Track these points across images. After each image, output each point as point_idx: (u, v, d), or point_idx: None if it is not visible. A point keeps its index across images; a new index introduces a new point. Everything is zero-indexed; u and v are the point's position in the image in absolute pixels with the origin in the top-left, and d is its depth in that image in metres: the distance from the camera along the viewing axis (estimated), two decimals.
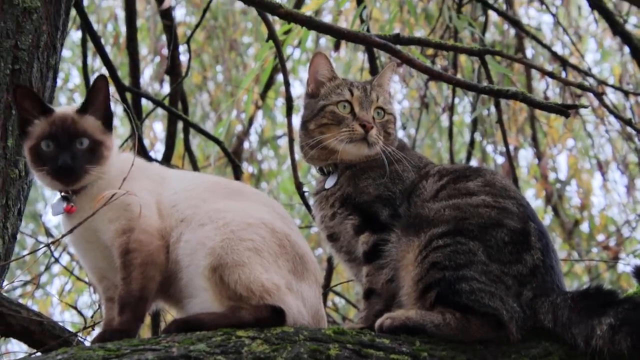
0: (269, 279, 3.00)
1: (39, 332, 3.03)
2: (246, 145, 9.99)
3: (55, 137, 3.16)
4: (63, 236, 3.16)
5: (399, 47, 3.94)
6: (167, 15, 6.32)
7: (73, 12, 3.95)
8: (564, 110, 3.66)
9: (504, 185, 3.34)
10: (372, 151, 3.48)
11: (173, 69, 6.32)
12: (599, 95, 4.00)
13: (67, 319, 7.95)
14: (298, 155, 4.14)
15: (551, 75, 4.05)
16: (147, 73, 9.92)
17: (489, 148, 9.25)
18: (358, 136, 3.47)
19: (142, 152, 5.37)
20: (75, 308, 3.36)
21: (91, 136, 3.21)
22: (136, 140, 3.34)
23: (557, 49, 8.84)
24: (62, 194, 3.25)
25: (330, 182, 3.54)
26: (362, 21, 5.47)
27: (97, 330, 3.30)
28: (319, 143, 3.51)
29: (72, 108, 3.27)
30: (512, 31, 8.44)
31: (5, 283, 3.52)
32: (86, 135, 3.20)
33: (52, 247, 4.13)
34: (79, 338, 3.14)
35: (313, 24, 3.95)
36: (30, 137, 3.20)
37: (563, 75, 6.60)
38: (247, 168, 10.00)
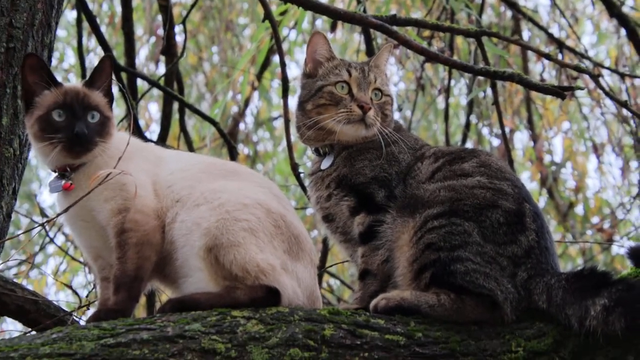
0: (264, 259, 3.01)
1: (34, 311, 3.03)
2: (242, 126, 9.98)
3: (69, 107, 3.17)
4: (58, 215, 3.16)
5: (395, 28, 3.92)
6: None
7: None
8: (560, 92, 3.66)
9: (499, 166, 3.35)
10: (370, 132, 3.48)
11: (168, 50, 6.29)
12: (595, 78, 4.00)
13: (62, 298, 7.97)
14: (294, 136, 4.13)
15: (547, 57, 4.05)
16: (142, 53, 9.90)
17: (485, 130, 9.26)
18: (356, 117, 3.46)
19: (138, 132, 5.35)
20: (70, 287, 3.36)
21: (102, 111, 3.23)
22: (132, 120, 3.34)
23: (554, 31, 8.83)
24: (59, 172, 3.24)
25: (326, 163, 3.53)
26: (359, 2, 5.45)
27: (92, 310, 3.30)
28: (316, 123, 3.51)
29: (79, 83, 3.28)
30: (509, 13, 8.42)
31: None
32: (97, 109, 3.22)
33: (47, 227, 4.12)
34: (74, 317, 3.14)
35: (309, 5, 3.94)
36: (39, 107, 3.19)
37: (559, 57, 6.59)
38: (243, 149, 9.99)
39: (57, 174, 3.26)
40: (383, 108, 3.57)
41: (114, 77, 5.06)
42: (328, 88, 3.53)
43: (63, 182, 3.21)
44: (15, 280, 3.90)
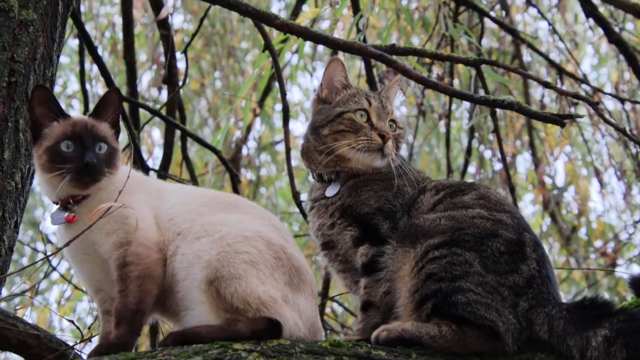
0: (265, 292, 3.01)
1: (35, 345, 3.03)
2: (244, 151, 9.99)
3: (79, 138, 3.19)
4: (61, 248, 3.17)
5: (394, 57, 3.94)
6: (164, 24, 6.32)
7: (69, 21, 3.95)
8: (560, 120, 3.67)
9: (498, 199, 3.36)
10: (384, 163, 3.50)
11: (170, 78, 6.31)
12: (595, 105, 4.01)
13: (66, 326, 7.96)
14: (295, 161, 4.14)
15: (547, 85, 4.07)
16: (144, 79, 9.93)
17: (487, 153, 9.26)
18: (375, 146, 3.47)
19: (140, 161, 5.37)
20: (72, 322, 3.35)
21: (109, 143, 3.26)
22: (133, 152, 3.35)
23: (554, 55, 8.84)
24: (62, 204, 3.25)
25: (331, 191, 3.53)
26: (359, 30, 5.48)
27: (95, 342, 3.30)
28: (331, 150, 3.51)
29: (86, 116, 3.31)
30: (509, 37, 8.44)
31: (3, 294, 3.52)
32: (105, 140, 3.25)
33: (51, 256, 4.13)
34: (76, 351, 3.14)
35: (309, 35, 3.96)
36: (48, 138, 3.21)
37: (559, 83, 6.62)
38: (246, 174, 9.99)
39: (59, 206, 3.27)
40: (397, 140, 3.59)
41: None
42: (348, 115, 3.54)
43: (66, 214, 3.22)
44: (19, 309, 3.91)
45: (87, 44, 5.79)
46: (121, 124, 3.38)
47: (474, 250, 3.11)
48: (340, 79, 3.65)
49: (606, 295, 3.24)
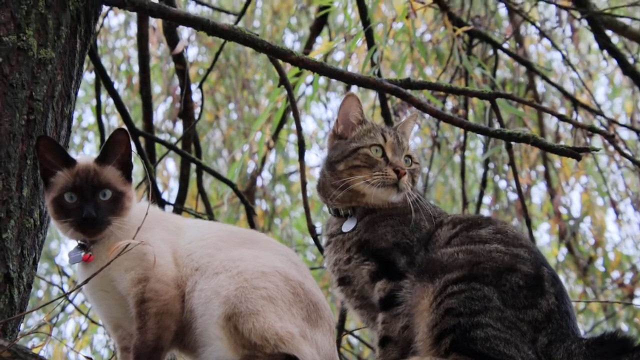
0: (283, 327, 3.01)
1: None
2: (259, 182, 10.01)
3: (79, 189, 3.21)
4: (79, 286, 3.17)
5: (409, 91, 3.95)
6: (179, 59, 6.37)
7: (86, 56, 3.99)
8: (575, 153, 3.67)
9: (515, 234, 3.36)
10: (399, 198, 3.50)
11: (185, 112, 6.35)
12: (610, 138, 4.01)
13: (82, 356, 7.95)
14: (310, 192, 4.14)
15: (562, 118, 4.07)
16: (160, 111, 9.98)
17: (502, 184, 9.24)
18: (390, 181, 3.48)
19: (156, 196, 5.39)
20: (90, 359, 3.35)
21: (113, 187, 3.26)
22: (150, 187, 3.36)
23: (568, 85, 8.85)
24: (80, 242, 3.28)
25: (348, 226, 3.54)
26: (373, 63, 5.50)
27: None
28: (346, 184, 3.52)
29: (92, 158, 3.32)
30: (523, 68, 8.46)
31: (20, 329, 3.53)
32: (109, 186, 3.25)
33: (67, 290, 4.15)
34: None
35: (324, 70, 3.97)
36: (53, 189, 3.25)
37: (574, 114, 6.62)
38: (261, 205, 10.00)
39: (77, 244, 3.29)
40: (413, 175, 3.60)
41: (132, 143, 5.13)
42: (364, 150, 3.55)
43: (82, 253, 3.24)
44: (36, 342, 3.91)
45: (103, 79, 5.84)
46: (137, 158, 3.39)
47: (492, 284, 3.10)
48: (356, 115, 3.67)
49: (624, 328, 3.21)
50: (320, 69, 3.96)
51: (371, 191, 3.49)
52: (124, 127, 3.44)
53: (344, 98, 3.73)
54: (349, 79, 4.03)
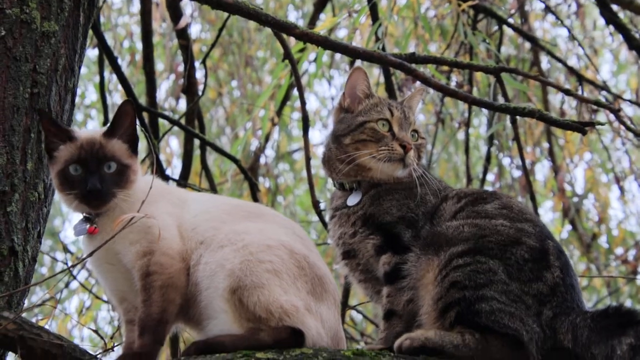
0: (287, 301, 3.01)
1: (59, 355, 3.03)
2: (262, 159, 10.00)
3: (83, 161, 3.20)
4: (83, 259, 3.18)
5: (414, 65, 3.94)
6: (183, 34, 6.35)
7: (90, 32, 3.97)
8: (581, 127, 3.66)
9: (520, 208, 3.35)
10: (405, 172, 3.49)
11: (189, 88, 6.34)
12: (616, 112, 3.98)
13: (86, 335, 7.99)
14: (314, 170, 4.13)
15: (567, 92, 4.04)
16: (163, 88, 9.96)
17: (506, 161, 9.23)
18: (397, 156, 3.47)
19: (159, 171, 5.39)
20: (95, 331, 3.36)
21: (119, 160, 3.25)
22: (154, 162, 3.35)
23: (573, 61, 8.82)
24: (85, 214, 3.28)
25: (353, 200, 3.53)
26: (378, 39, 5.48)
27: (117, 352, 3.31)
28: (352, 159, 3.50)
29: (98, 132, 3.31)
30: (528, 44, 8.42)
31: (25, 304, 3.54)
32: (114, 159, 3.24)
33: (72, 267, 4.16)
34: None
35: (329, 44, 3.96)
36: (58, 162, 3.24)
37: (579, 90, 6.59)
38: (264, 183, 10.00)
39: (83, 215, 3.29)
40: (419, 150, 3.59)
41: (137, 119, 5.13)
42: (370, 124, 3.53)
43: (88, 225, 3.24)
44: (40, 318, 3.92)
45: (106, 54, 5.82)
46: (141, 133, 3.38)
47: (497, 258, 3.10)
48: (363, 88, 3.65)
49: (629, 304, 3.21)
50: (325, 42, 3.95)
51: (377, 166, 3.48)
52: (129, 99, 3.42)
53: (352, 71, 3.71)
54: (353, 53, 4.02)
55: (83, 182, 3.18)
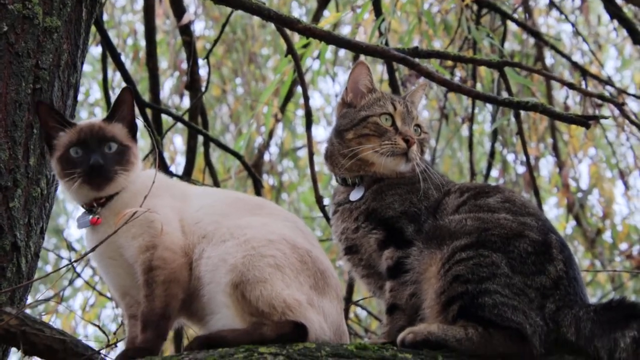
0: (290, 295, 3.00)
1: (62, 350, 3.03)
2: (266, 156, 10.01)
3: (84, 143, 3.22)
4: (86, 254, 3.18)
5: (417, 60, 3.93)
6: (186, 30, 6.35)
7: (92, 28, 3.97)
8: (585, 121, 3.65)
9: (523, 202, 3.34)
10: (408, 167, 3.48)
11: (192, 84, 6.34)
12: (620, 106, 3.98)
13: (90, 332, 8.00)
14: (317, 166, 4.12)
15: (571, 86, 4.04)
16: (167, 86, 9.97)
17: (510, 157, 9.22)
18: (400, 150, 3.46)
19: (163, 167, 5.39)
20: (98, 326, 3.36)
21: (119, 141, 3.27)
22: (157, 157, 3.35)
23: (577, 57, 8.81)
24: (86, 207, 3.27)
25: (356, 195, 3.52)
26: (381, 34, 5.47)
27: (120, 347, 3.31)
28: (355, 153, 3.49)
29: (98, 119, 3.34)
30: (532, 40, 8.41)
31: (28, 300, 3.54)
32: (114, 139, 3.26)
33: (75, 263, 4.16)
34: (102, 356, 3.15)
35: (332, 39, 3.95)
36: (58, 148, 3.26)
37: (583, 84, 6.57)
38: (268, 180, 10.00)
39: (85, 210, 3.29)
40: (422, 144, 3.58)
41: (138, 112, 5.13)
42: (373, 119, 3.52)
43: (90, 217, 3.24)
44: (44, 316, 3.92)
45: (110, 51, 5.82)
46: (144, 128, 3.39)
47: (500, 251, 3.09)
48: (366, 83, 3.64)
49: (633, 298, 3.20)
50: (328, 37, 3.94)
51: (380, 160, 3.47)
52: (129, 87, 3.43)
53: (354, 66, 3.70)
54: (356, 48, 4.01)
55: (85, 161, 3.19)
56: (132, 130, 3.35)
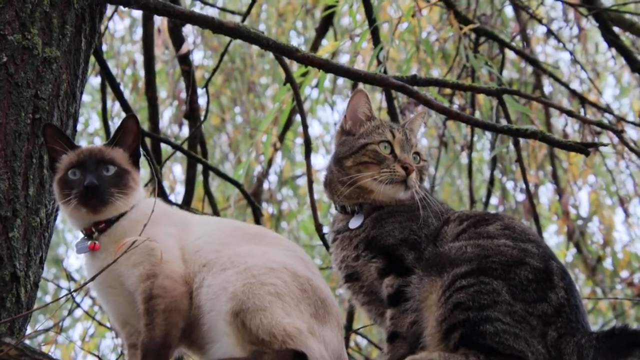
0: (290, 323, 2.99)
1: None
2: (265, 185, 10.00)
3: (82, 164, 3.24)
4: (85, 284, 3.17)
5: (416, 88, 3.94)
6: (185, 60, 6.37)
7: (92, 58, 3.98)
8: (584, 148, 3.65)
9: (522, 228, 3.34)
10: (407, 194, 3.48)
11: (191, 113, 6.36)
12: (619, 133, 3.98)
13: None
14: (317, 194, 4.12)
15: (570, 113, 4.04)
16: (166, 115, 9.99)
17: (509, 185, 9.22)
18: (399, 178, 3.46)
19: (163, 196, 5.38)
20: (98, 357, 3.34)
21: (118, 164, 3.28)
22: (156, 185, 3.35)
23: (575, 85, 8.83)
24: (85, 232, 3.27)
25: (355, 223, 3.52)
26: (379, 62, 5.49)
27: None
28: (354, 181, 3.49)
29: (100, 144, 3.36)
30: (530, 68, 8.44)
31: (28, 331, 3.52)
32: (113, 162, 3.27)
33: (74, 293, 4.14)
34: None
35: (330, 67, 3.96)
36: (59, 170, 3.28)
37: (582, 112, 6.59)
38: (267, 208, 9.99)
39: (84, 235, 3.29)
40: (421, 172, 3.58)
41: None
42: (372, 147, 3.53)
43: (89, 242, 3.23)
44: (43, 347, 3.90)
45: (109, 81, 5.83)
46: (143, 157, 3.39)
47: (501, 278, 3.08)
48: (365, 111, 3.65)
49: (635, 326, 3.18)
50: (326, 65, 3.95)
51: (379, 188, 3.48)
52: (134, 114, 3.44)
53: (353, 94, 3.72)
54: (355, 76, 4.02)
55: (81, 182, 3.19)
56: (134, 156, 3.36)
